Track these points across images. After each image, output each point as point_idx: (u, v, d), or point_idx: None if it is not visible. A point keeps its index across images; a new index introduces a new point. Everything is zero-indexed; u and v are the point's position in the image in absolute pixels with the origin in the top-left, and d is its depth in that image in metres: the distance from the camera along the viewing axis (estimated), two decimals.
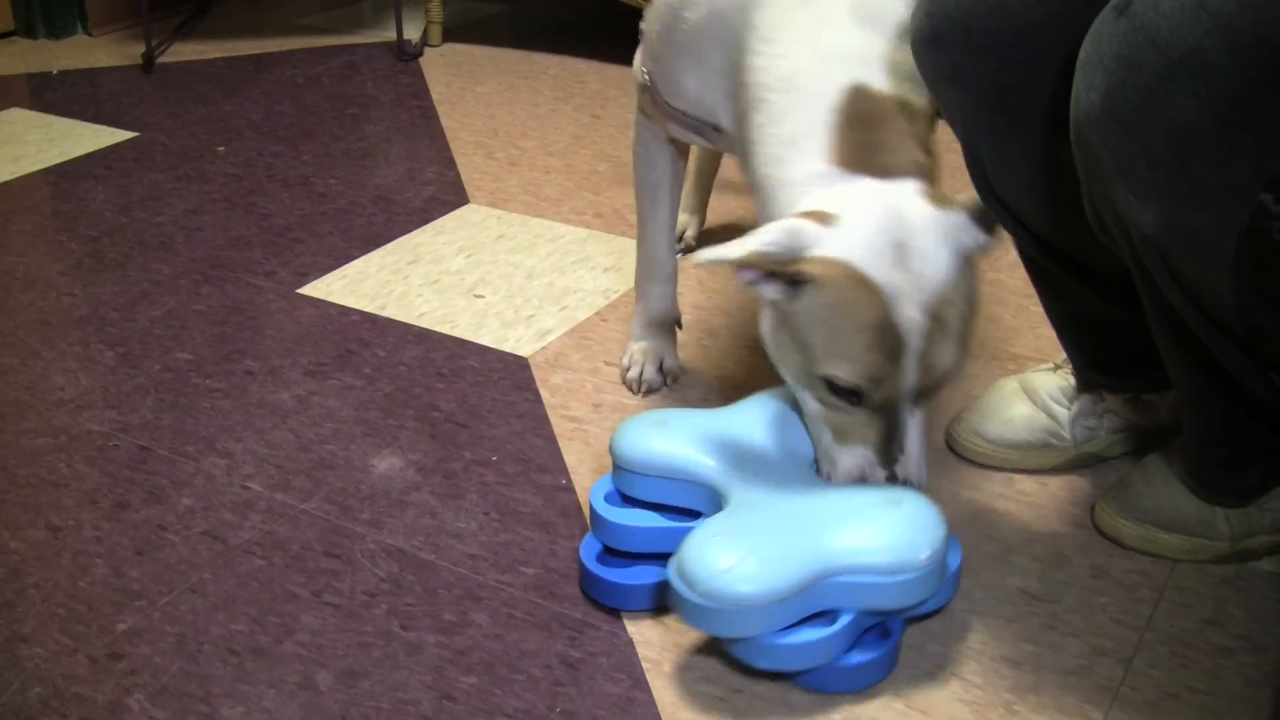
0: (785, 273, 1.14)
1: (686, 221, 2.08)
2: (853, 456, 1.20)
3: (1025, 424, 1.49)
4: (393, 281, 2.00)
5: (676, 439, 1.29)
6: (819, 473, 1.24)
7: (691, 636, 1.26)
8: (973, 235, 1.18)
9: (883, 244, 1.13)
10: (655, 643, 1.26)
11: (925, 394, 1.18)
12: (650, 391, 1.68)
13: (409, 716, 1.18)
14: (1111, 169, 1.07)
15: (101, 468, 1.56)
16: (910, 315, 1.13)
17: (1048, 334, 1.74)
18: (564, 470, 1.52)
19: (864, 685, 1.20)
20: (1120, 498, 1.38)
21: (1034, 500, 1.45)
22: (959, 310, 1.15)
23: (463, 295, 1.96)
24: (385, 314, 1.91)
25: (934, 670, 1.22)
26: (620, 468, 1.30)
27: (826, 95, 1.23)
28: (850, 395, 1.16)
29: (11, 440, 1.62)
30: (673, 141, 1.58)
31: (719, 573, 1.12)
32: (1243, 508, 1.33)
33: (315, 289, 1.99)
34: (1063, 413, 1.49)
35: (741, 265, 1.14)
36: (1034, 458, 1.49)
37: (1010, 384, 1.54)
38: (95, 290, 2.00)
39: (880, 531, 1.16)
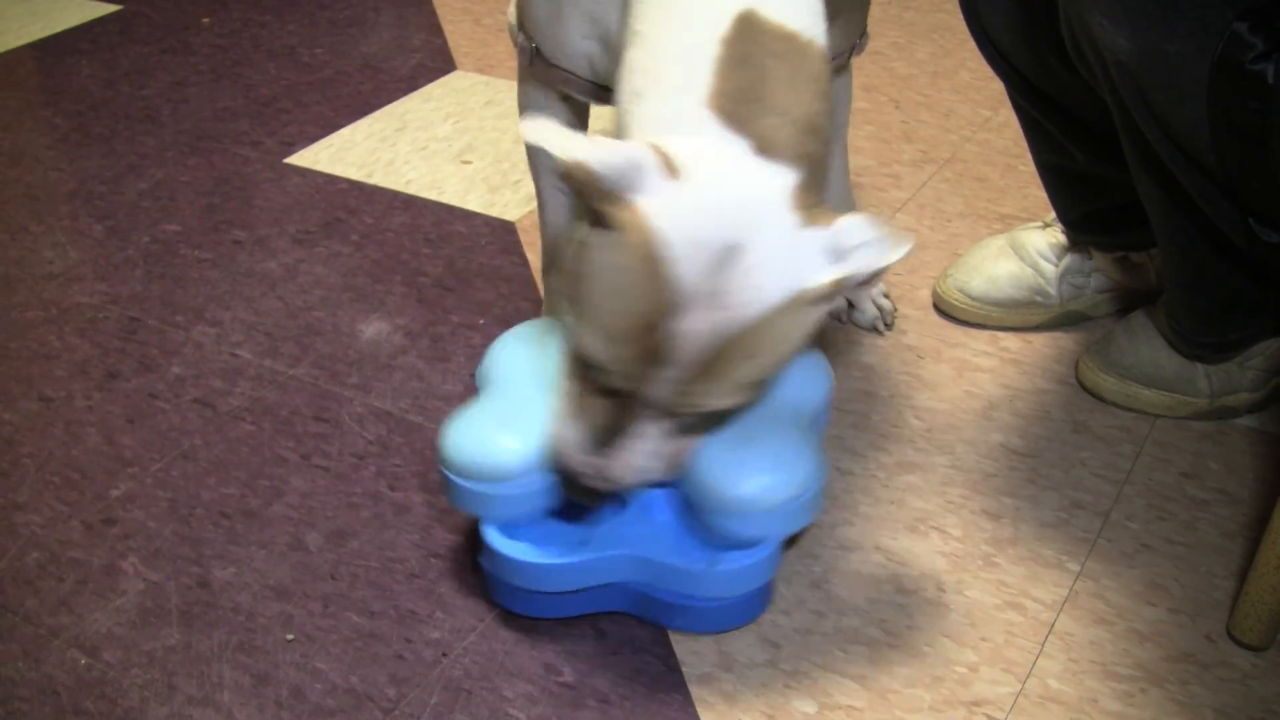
0: (596, 206, 0.91)
1: None
2: (569, 430, 1.01)
3: (1011, 281, 1.49)
4: (380, 149, 1.99)
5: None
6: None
7: None
8: (818, 268, 0.91)
9: (711, 239, 0.88)
10: None
11: (677, 415, 0.98)
12: None
13: (397, 574, 1.20)
14: None
15: (92, 339, 1.57)
16: (691, 333, 0.90)
17: (1035, 194, 1.74)
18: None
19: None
20: (1103, 353, 1.39)
21: (1017, 357, 1.46)
22: (752, 360, 0.92)
23: (450, 161, 1.95)
24: (372, 181, 1.90)
25: (914, 524, 1.24)
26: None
27: (713, 23, 0.94)
28: (595, 367, 0.96)
29: (2, 314, 1.62)
30: (568, 104, 1.27)
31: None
32: (1222, 364, 1.34)
33: (302, 158, 1.98)
34: (1050, 269, 1.49)
35: (563, 169, 0.90)
36: (1018, 315, 1.49)
37: (997, 241, 1.54)
38: (82, 164, 1.99)
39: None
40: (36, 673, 1.12)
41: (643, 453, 1.00)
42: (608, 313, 0.92)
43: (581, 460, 1.00)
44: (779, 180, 0.91)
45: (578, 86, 1.18)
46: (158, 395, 1.46)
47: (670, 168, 0.89)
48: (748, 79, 0.93)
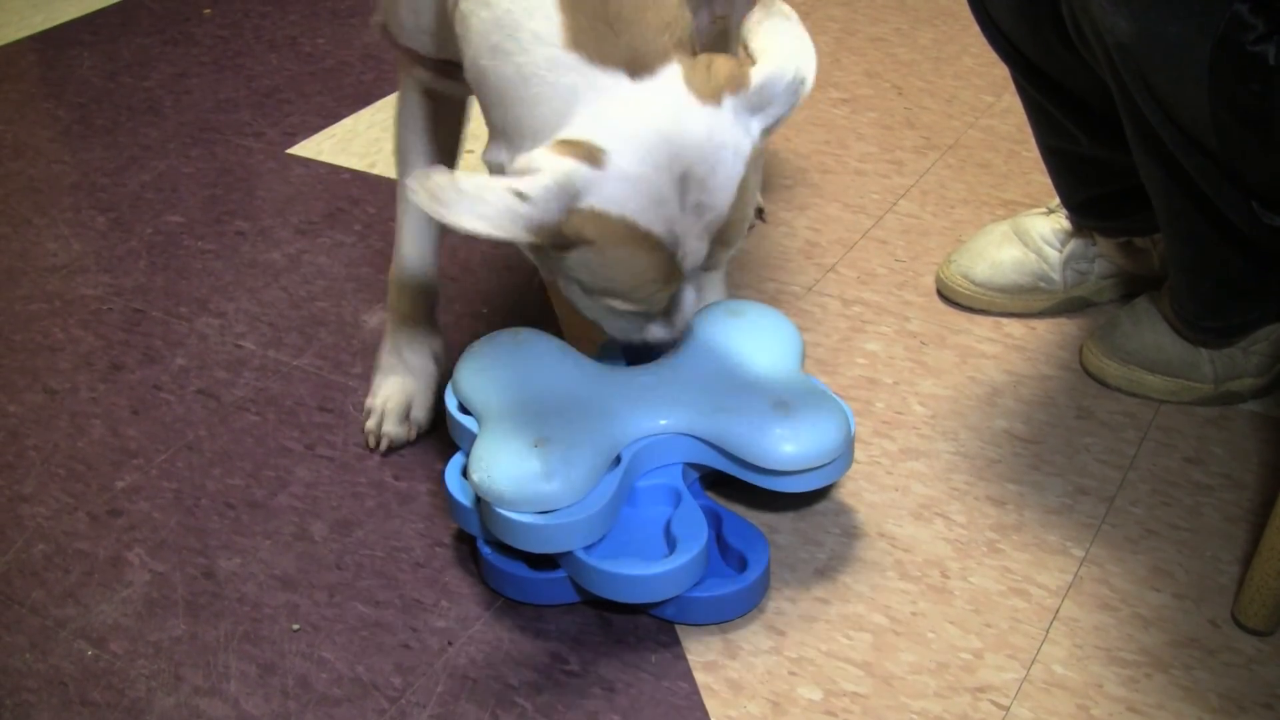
0: (555, 243, 0.95)
1: None
2: (651, 328, 1.10)
3: (1015, 267, 1.49)
4: (383, 139, 1.99)
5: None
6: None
7: None
8: (750, 128, 0.96)
9: (664, 183, 0.94)
10: None
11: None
12: (391, 449, 1.34)
13: (402, 563, 1.21)
14: None
15: (96, 331, 1.57)
16: (693, 248, 0.98)
17: (1039, 179, 1.73)
18: (557, 321, 1.53)
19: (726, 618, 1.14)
20: (1107, 338, 1.39)
21: (1021, 343, 1.46)
22: (742, 218, 1.00)
23: None
24: (375, 171, 1.90)
25: (919, 510, 1.24)
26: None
27: None
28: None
29: (6, 307, 1.63)
30: (440, 104, 1.28)
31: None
32: (1226, 349, 1.34)
33: (305, 149, 1.98)
34: (1054, 255, 1.49)
35: (517, 243, 0.94)
36: (1022, 301, 1.49)
37: (1001, 227, 1.53)
38: (85, 156, 1.99)
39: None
40: (44, 664, 1.13)
41: (688, 310, 1.08)
42: (627, 287, 0.99)
43: (660, 338, 1.10)
44: (667, 88, 0.94)
45: (429, 67, 1.19)
46: (162, 387, 1.46)
47: (589, 158, 0.92)
48: (592, 7, 0.94)
